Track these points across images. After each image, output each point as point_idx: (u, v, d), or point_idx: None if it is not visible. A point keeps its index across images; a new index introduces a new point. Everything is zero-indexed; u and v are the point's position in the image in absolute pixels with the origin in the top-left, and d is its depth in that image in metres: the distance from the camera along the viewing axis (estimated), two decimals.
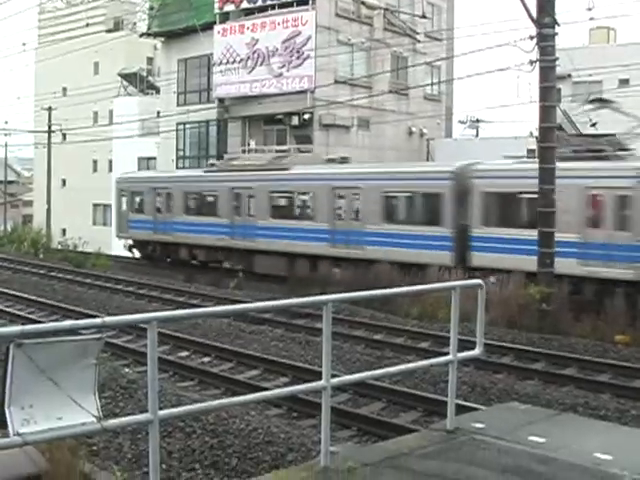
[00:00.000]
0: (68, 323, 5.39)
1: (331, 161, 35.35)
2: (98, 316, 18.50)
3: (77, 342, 5.27)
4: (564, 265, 22.32)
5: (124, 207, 42.16)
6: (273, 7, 42.78)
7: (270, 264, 32.56)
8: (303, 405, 12.39)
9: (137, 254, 42.48)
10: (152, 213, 39.68)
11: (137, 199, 41.16)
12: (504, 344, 18.22)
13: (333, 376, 6.58)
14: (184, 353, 17.58)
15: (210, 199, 36.66)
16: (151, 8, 52.50)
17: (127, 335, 18.90)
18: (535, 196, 22.67)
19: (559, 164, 22.48)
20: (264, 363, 16.19)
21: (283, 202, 33.24)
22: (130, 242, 42.59)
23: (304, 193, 32.02)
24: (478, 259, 25.73)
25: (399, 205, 29.50)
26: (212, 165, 40.70)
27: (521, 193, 24.98)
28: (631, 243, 22.44)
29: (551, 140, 21.79)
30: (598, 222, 23.51)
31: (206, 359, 17.08)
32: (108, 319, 5.96)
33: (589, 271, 23.08)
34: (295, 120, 41.38)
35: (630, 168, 23.05)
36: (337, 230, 30.12)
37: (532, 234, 22.37)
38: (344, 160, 35.27)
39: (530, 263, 22.13)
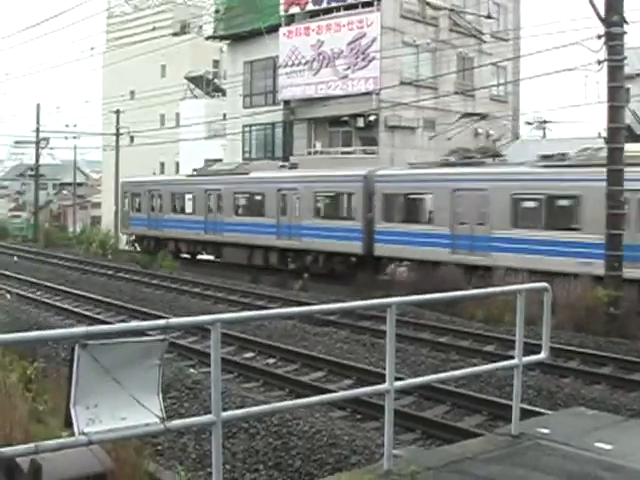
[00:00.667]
0: (132, 324, 5.47)
1: (283, 167, 39.22)
2: (163, 317, 18.73)
3: (141, 343, 5.32)
4: (439, 254, 27.57)
5: (126, 207, 48.56)
6: (338, 9, 42.79)
7: (235, 255, 38.24)
8: (367, 407, 12.37)
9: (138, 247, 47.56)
10: (147, 212, 45.56)
11: (137, 200, 47.27)
12: (571, 348, 17.98)
13: (398, 379, 6.55)
14: (249, 354, 17.69)
15: (190, 199, 42.44)
16: (217, 11, 52.90)
17: (193, 336, 19.06)
18: (419, 196, 30.00)
19: (435, 170, 29.49)
20: (329, 365, 16.23)
21: (244, 202, 38.90)
22: (132, 237, 48.66)
23: (258, 194, 37.22)
24: (379, 249, 30.59)
25: (326, 203, 34.68)
26: (194, 170, 44.63)
27: (410, 194, 30.17)
28: (486, 234, 26.65)
29: (619, 141, 21.38)
30: (463, 218, 27.67)
31: (271, 360, 17.16)
32: (172, 321, 6.01)
33: (457, 259, 27.14)
34: (360, 122, 41.36)
35: (483, 172, 27.49)
36: (281, 225, 35.38)
37: (421, 228, 28.74)
38: (293, 166, 39.17)
39: (419, 253, 28.34)
